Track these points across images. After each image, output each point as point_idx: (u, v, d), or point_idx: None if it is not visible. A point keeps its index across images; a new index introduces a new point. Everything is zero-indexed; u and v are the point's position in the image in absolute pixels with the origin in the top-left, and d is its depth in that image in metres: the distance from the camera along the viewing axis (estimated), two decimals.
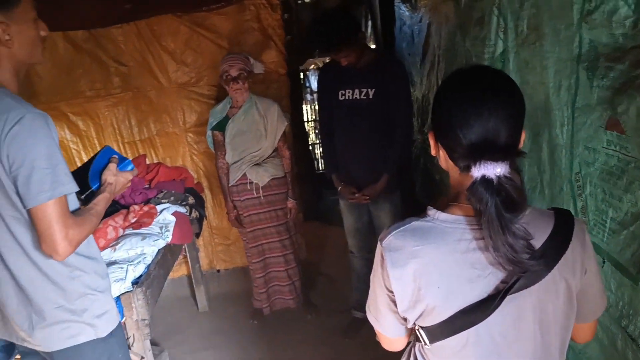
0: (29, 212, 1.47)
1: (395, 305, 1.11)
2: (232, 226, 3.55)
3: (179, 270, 4.14)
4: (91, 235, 1.69)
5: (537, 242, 1.01)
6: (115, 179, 1.75)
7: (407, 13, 4.31)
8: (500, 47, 2.37)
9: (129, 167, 1.84)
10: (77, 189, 1.54)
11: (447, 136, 1.05)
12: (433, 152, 1.15)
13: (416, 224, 1.08)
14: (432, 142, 1.13)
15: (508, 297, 1.00)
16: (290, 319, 3.58)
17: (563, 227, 1.05)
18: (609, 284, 1.60)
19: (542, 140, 1.98)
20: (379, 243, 1.12)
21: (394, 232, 1.09)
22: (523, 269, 0.98)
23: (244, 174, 3.32)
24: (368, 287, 1.25)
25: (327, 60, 6.77)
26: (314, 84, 8.13)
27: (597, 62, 1.57)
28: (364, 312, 2.89)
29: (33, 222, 1.47)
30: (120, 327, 1.80)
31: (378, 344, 1.32)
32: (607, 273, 1.60)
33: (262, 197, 3.34)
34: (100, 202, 1.66)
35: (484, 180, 0.97)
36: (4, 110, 1.43)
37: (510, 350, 1.07)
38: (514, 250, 0.96)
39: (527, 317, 1.05)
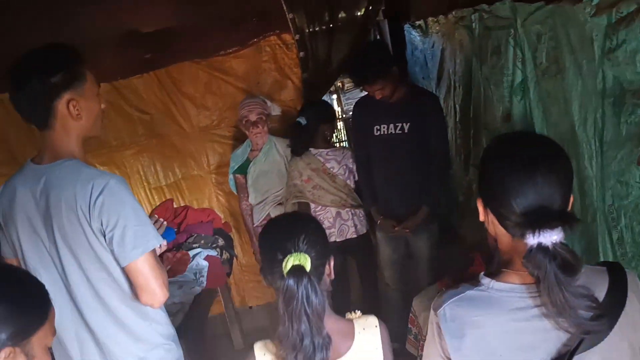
0: (124, 269, 1.54)
1: None
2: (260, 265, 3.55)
3: (212, 309, 4.16)
4: None
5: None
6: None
7: (418, 38, 4.34)
8: (519, 76, 2.39)
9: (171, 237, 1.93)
10: (162, 240, 1.62)
11: (500, 205, 1.05)
12: (481, 218, 1.15)
13: (471, 293, 1.09)
14: (480, 208, 1.14)
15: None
16: None
17: (618, 282, 1.05)
18: None
19: None
20: (432, 312, 1.12)
21: (449, 301, 1.09)
22: (586, 331, 0.98)
23: (268, 214, 3.34)
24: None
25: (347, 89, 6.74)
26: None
27: (623, 99, 1.59)
28: (400, 342, 2.78)
29: (131, 277, 1.54)
30: None
31: None
32: None
33: None
34: None
35: (540, 247, 0.96)
36: (86, 179, 1.51)
37: None
38: (576, 312, 0.96)
39: None
